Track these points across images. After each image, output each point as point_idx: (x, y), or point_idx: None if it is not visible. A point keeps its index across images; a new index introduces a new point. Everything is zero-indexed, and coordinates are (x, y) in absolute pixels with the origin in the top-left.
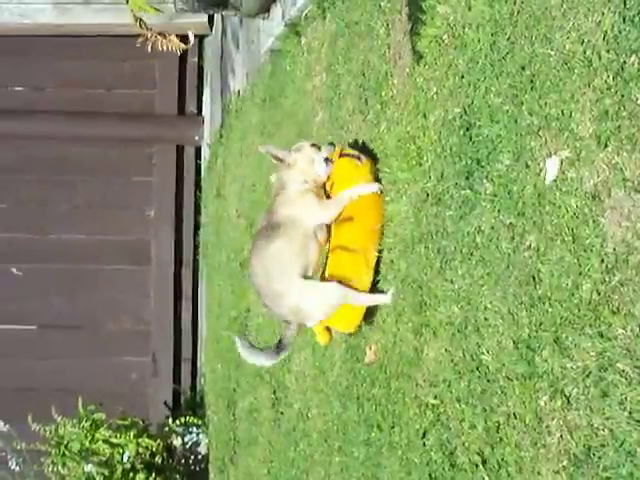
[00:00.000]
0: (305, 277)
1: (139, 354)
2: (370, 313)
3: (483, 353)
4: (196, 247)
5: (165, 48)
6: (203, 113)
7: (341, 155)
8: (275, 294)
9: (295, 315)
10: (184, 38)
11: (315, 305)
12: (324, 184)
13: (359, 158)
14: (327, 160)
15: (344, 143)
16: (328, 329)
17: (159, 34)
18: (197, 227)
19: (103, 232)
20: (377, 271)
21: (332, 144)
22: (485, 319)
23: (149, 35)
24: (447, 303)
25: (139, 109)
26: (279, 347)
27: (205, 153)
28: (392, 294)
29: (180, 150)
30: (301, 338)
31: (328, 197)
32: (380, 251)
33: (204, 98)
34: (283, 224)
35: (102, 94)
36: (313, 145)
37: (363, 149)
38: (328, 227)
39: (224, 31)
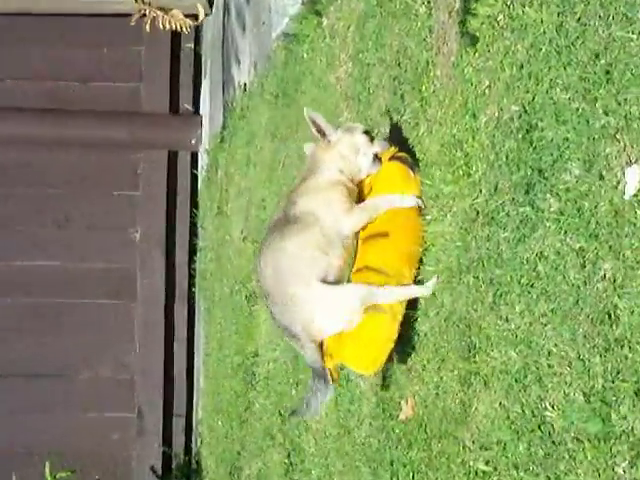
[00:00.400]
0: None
1: (121, 409)
2: (405, 355)
3: (547, 408)
4: (192, 277)
5: (167, 27)
6: (201, 111)
7: (392, 158)
8: (286, 299)
9: (306, 327)
10: (188, 16)
11: (331, 313)
12: (361, 185)
13: (412, 168)
14: (376, 157)
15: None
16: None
17: (159, 9)
18: (193, 252)
19: (77, 259)
20: (413, 305)
21: (387, 142)
22: (549, 366)
23: (147, 11)
24: (502, 346)
25: (122, 106)
26: (318, 376)
27: (203, 161)
28: (433, 284)
29: (172, 157)
30: None
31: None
32: (418, 281)
33: (202, 93)
34: (302, 220)
35: (76, 88)
36: (366, 133)
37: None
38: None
39: (227, 10)
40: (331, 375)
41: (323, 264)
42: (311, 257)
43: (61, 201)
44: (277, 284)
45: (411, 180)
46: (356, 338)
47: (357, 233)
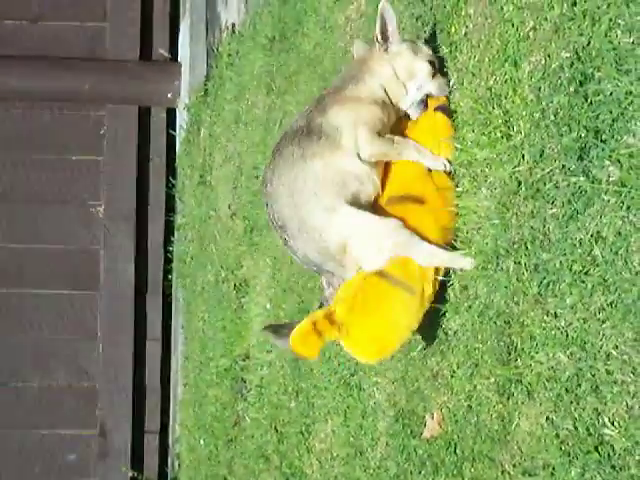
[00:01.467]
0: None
1: (80, 425)
2: (430, 358)
3: (605, 425)
4: (168, 262)
5: None
6: (179, 58)
7: (439, 107)
8: (307, 227)
9: (337, 258)
10: None
11: (371, 242)
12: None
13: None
14: (425, 99)
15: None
16: (317, 332)
17: None
18: (170, 231)
19: (27, 239)
20: (440, 298)
21: (448, 84)
22: (608, 372)
23: None
24: (549, 348)
25: (81, 50)
26: None
27: (182, 119)
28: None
29: (144, 114)
30: (326, 398)
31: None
32: (447, 272)
33: (180, 35)
34: (328, 134)
35: (24, 27)
36: (431, 63)
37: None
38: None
39: None
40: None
41: (353, 188)
42: (340, 180)
43: (6, 169)
44: (297, 210)
45: (449, 142)
46: (371, 315)
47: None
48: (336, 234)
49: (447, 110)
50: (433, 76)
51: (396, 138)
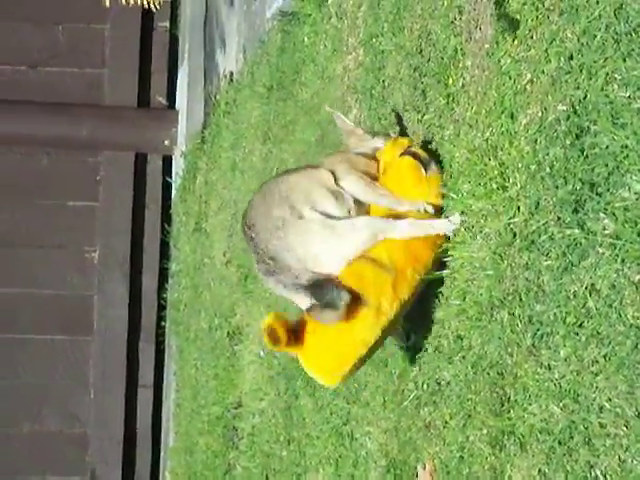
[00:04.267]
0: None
1: (70, 471)
2: (422, 408)
3: (597, 478)
4: (162, 308)
5: (132, 2)
6: (177, 106)
7: (406, 152)
8: (278, 224)
9: (302, 259)
10: None
11: (336, 242)
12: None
13: (425, 165)
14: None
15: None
16: (283, 323)
17: None
18: (164, 278)
19: (21, 283)
20: (435, 348)
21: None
22: (601, 425)
23: None
24: (542, 400)
25: (79, 96)
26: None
27: (178, 166)
28: (457, 219)
29: (140, 161)
30: (318, 448)
31: None
32: (443, 323)
33: (178, 83)
34: (306, 167)
35: (23, 73)
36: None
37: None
38: None
39: None
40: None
41: (326, 201)
42: (312, 189)
43: (0, 213)
44: (267, 208)
45: (424, 182)
46: (323, 332)
47: None
48: (306, 230)
49: (413, 153)
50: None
51: (386, 191)
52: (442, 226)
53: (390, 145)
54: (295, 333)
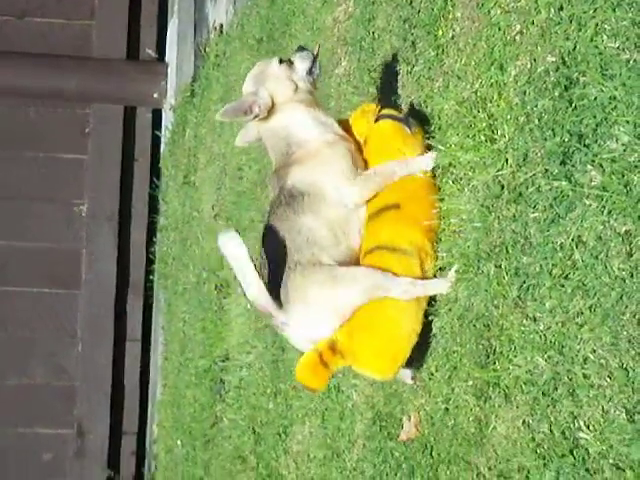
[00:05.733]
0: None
1: (57, 424)
2: (408, 361)
3: (581, 428)
4: (150, 262)
5: None
6: (166, 58)
7: (380, 117)
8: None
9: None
10: None
11: (325, 306)
12: (355, 138)
13: (407, 123)
14: (312, 69)
15: (377, 102)
16: (324, 364)
17: None
18: (152, 232)
19: (8, 236)
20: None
21: (302, 47)
22: (585, 376)
23: None
24: (527, 351)
25: (67, 48)
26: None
27: (168, 119)
28: (452, 276)
29: (129, 114)
30: (304, 400)
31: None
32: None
33: (168, 35)
34: (306, 193)
35: (10, 23)
36: (281, 61)
37: (411, 114)
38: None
39: None
40: (322, 380)
41: (338, 249)
42: (325, 236)
43: None
44: (280, 252)
45: (409, 138)
46: (373, 329)
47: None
48: (301, 288)
49: (389, 115)
50: (290, 63)
51: (376, 168)
52: (439, 285)
53: (359, 114)
54: (330, 353)
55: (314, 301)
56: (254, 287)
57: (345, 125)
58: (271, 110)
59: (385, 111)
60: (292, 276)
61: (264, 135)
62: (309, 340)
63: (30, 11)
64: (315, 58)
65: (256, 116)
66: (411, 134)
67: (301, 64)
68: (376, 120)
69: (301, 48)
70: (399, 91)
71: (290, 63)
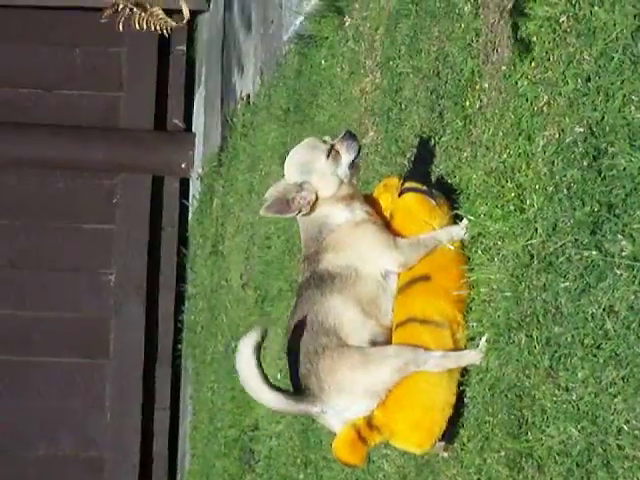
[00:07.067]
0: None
1: None
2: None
3: None
4: (178, 331)
5: (145, 27)
6: (193, 129)
7: (404, 190)
8: (312, 354)
9: (327, 401)
10: (174, 13)
11: (360, 387)
12: (382, 213)
13: (431, 195)
14: (353, 164)
15: (403, 174)
16: (362, 440)
17: (137, 5)
18: (180, 301)
19: (34, 306)
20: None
21: (350, 134)
22: (619, 447)
23: (120, 6)
24: (560, 422)
25: (96, 120)
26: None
27: (195, 189)
28: (483, 345)
29: (157, 184)
30: (335, 470)
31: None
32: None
33: (195, 106)
34: (338, 275)
35: (39, 96)
36: (328, 155)
37: (436, 186)
38: None
39: (228, 4)
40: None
41: (367, 327)
42: (353, 318)
43: (17, 236)
44: (307, 336)
45: (435, 210)
46: (408, 403)
47: None
48: (335, 370)
49: (411, 189)
50: (335, 155)
51: (419, 237)
52: (471, 356)
53: (381, 189)
54: (367, 429)
55: (349, 385)
56: (273, 402)
57: (370, 200)
58: (313, 205)
59: (408, 184)
60: (322, 362)
61: (299, 219)
62: (346, 422)
63: (59, 84)
64: (360, 148)
65: (299, 211)
66: (436, 205)
67: (347, 156)
68: (400, 194)
69: (349, 135)
70: (427, 161)
71: (336, 153)
